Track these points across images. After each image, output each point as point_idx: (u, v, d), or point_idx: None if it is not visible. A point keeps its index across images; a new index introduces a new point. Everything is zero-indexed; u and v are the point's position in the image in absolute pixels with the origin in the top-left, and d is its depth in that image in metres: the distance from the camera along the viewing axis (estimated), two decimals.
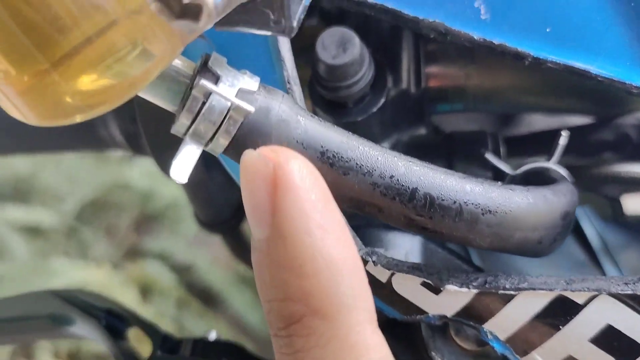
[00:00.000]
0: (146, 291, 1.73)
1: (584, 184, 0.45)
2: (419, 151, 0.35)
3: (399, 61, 0.33)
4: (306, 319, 0.18)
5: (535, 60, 0.26)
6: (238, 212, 0.48)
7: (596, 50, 0.26)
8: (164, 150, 0.37)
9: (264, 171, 0.18)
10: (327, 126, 0.23)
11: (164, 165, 0.40)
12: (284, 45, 0.28)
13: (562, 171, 0.29)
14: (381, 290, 0.27)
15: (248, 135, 0.21)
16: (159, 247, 1.83)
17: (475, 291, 0.26)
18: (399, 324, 0.31)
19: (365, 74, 0.30)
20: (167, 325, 1.43)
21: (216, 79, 0.21)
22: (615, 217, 0.47)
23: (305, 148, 0.22)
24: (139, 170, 1.82)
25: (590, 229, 0.40)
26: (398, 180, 0.23)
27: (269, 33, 0.20)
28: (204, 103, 0.21)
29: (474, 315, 0.26)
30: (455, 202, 0.23)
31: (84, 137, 0.41)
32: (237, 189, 0.40)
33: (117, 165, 1.88)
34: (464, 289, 0.26)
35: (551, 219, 0.25)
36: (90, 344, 1.55)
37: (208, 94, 0.21)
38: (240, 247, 0.52)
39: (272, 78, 0.28)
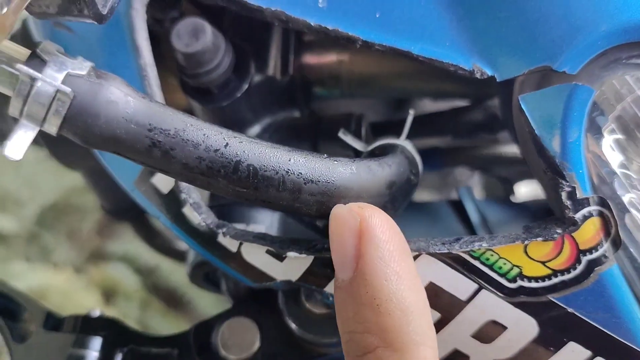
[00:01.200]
0: (109, 294, 1.73)
1: (473, 164, 0.48)
2: (290, 134, 0.37)
3: (264, 50, 0.35)
4: (379, 350, 0.21)
5: (364, 43, 0.29)
6: None
7: (420, 34, 0.28)
8: (54, 141, 0.39)
9: (352, 223, 0.22)
10: (157, 105, 0.25)
11: (59, 155, 0.42)
12: (141, 35, 0.30)
13: (409, 146, 0.31)
14: (232, 260, 0.29)
15: (78, 115, 0.23)
16: (122, 249, 1.83)
17: (312, 256, 0.28)
18: (262, 293, 0.33)
19: (222, 60, 0.32)
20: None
21: (42, 65, 0.23)
22: (505, 197, 0.50)
23: (134, 125, 0.24)
24: None
25: (471, 206, 0.43)
26: (222, 153, 0.25)
27: (83, 20, 0.22)
28: (32, 87, 0.23)
29: (315, 279, 0.29)
30: (277, 172, 0.25)
31: None
32: None
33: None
34: (303, 255, 0.28)
35: (375, 187, 0.27)
36: None
37: (34, 80, 0.23)
38: (149, 233, 0.54)
39: (129, 65, 0.30)
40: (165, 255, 0.57)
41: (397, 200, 0.29)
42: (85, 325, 0.34)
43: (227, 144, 0.25)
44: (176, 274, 1.82)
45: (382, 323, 0.21)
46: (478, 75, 0.27)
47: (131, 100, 0.24)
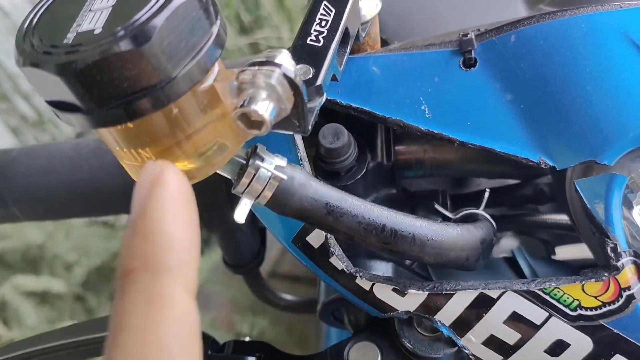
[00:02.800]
0: None
1: (521, 229, 0.60)
2: (391, 205, 0.49)
3: (374, 143, 0.48)
4: (137, 272, 0.23)
5: (461, 143, 0.41)
6: (257, 257, 0.61)
7: (499, 136, 0.41)
8: (209, 211, 0.51)
9: (152, 172, 0.25)
10: (329, 187, 0.37)
11: (207, 222, 0.54)
12: (297, 136, 0.43)
13: (486, 215, 0.43)
14: (366, 296, 0.41)
15: (281, 194, 0.35)
16: None
17: (427, 293, 0.39)
18: (380, 323, 0.44)
19: (351, 153, 0.44)
20: None
21: (262, 159, 0.35)
22: (548, 255, 0.61)
23: (315, 201, 0.36)
24: None
25: (524, 262, 0.54)
26: (373, 219, 0.36)
27: (294, 132, 0.35)
28: (254, 175, 0.35)
29: (427, 310, 0.40)
30: (410, 233, 0.37)
31: (114, 207, 0.55)
32: (256, 240, 0.54)
33: (123, 232, 1.99)
34: (420, 292, 0.39)
35: (473, 243, 0.39)
36: None
37: (258, 168, 0.35)
38: (258, 284, 0.65)
39: (289, 156, 0.42)
40: (270, 305, 0.68)
41: (486, 252, 0.40)
42: (242, 348, 0.44)
43: (375, 213, 0.37)
44: (210, 333, 1.89)
45: (146, 249, 0.23)
46: (543, 166, 0.39)
47: (313, 184, 0.36)
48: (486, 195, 0.45)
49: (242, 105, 0.30)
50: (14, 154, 0.57)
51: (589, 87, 0.38)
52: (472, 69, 0.42)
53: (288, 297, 0.69)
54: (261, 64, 0.31)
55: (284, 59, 0.32)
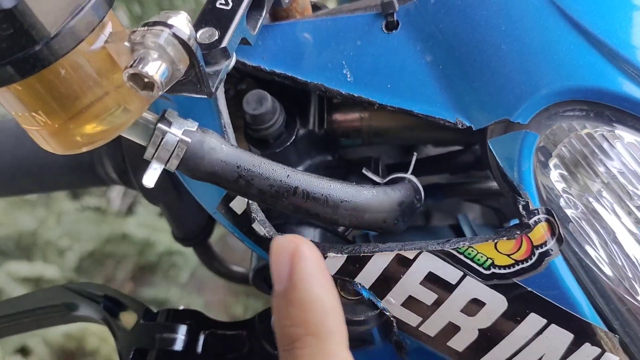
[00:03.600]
0: None
1: (468, 197, 0.59)
2: (325, 172, 0.49)
3: (307, 110, 0.48)
4: (304, 338, 0.28)
5: (380, 105, 0.41)
6: (205, 229, 0.62)
7: (419, 97, 0.41)
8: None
9: (288, 247, 0.31)
10: (241, 151, 0.37)
11: (146, 193, 0.54)
12: (221, 102, 0.43)
13: (412, 178, 0.43)
14: None
15: (190, 158, 0.35)
16: (153, 294, 1.93)
17: (346, 255, 0.39)
18: None
19: (277, 119, 0.44)
20: None
21: (169, 124, 0.35)
22: (500, 223, 0.61)
23: (226, 164, 0.36)
24: (136, 222, 1.95)
25: (467, 228, 0.54)
26: (285, 182, 0.36)
27: (198, 96, 0.35)
28: (161, 139, 0.35)
29: (348, 273, 0.40)
30: (322, 195, 0.37)
31: (86, 176, 0.55)
32: (203, 211, 0.54)
33: (114, 218, 2.01)
34: (339, 255, 0.39)
35: (389, 205, 0.39)
36: None
37: (165, 133, 0.35)
38: (208, 257, 0.65)
39: (213, 124, 0.42)
40: (222, 277, 0.68)
41: (405, 215, 0.40)
42: (175, 316, 0.45)
43: (288, 175, 0.37)
44: None
45: (307, 317, 0.28)
46: (460, 126, 0.39)
47: (225, 148, 0.36)
48: (413, 159, 0.45)
49: (131, 66, 0.30)
50: None
51: (503, 46, 0.38)
52: (393, 31, 0.41)
53: (239, 268, 0.69)
54: (153, 24, 0.31)
55: (178, 20, 0.32)
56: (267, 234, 0.41)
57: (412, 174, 0.45)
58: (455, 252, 0.38)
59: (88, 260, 2.03)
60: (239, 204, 0.42)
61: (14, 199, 1.87)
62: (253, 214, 0.41)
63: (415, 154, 0.45)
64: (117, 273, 2.07)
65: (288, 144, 0.46)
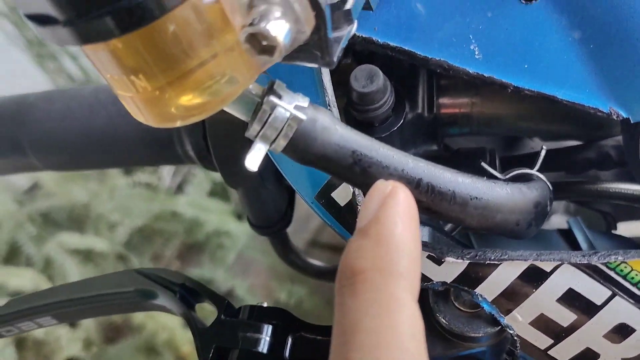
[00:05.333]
0: None
1: (579, 199, 0.53)
2: None
3: (415, 92, 0.42)
4: (368, 272, 0.24)
5: (515, 88, 0.35)
6: (283, 218, 0.57)
7: (563, 81, 0.34)
8: (227, 163, 0.47)
9: (383, 188, 0.27)
10: (357, 133, 0.31)
11: (227, 175, 0.49)
12: (326, 77, 0.37)
13: (541, 175, 0.37)
14: None
15: (300, 138, 0.30)
16: (200, 274, 1.92)
17: (467, 262, 0.34)
18: None
19: (387, 100, 0.39)
20: None
21: (279, 97, 0.30)
22: (607, 229, 0.54)
23: (340, 148, 0.31)
24: (186, 200, 1.94)
25: (581, 236, 0.47)
26: (407, 172, 0.31)
27: (316, 66, 0.30)
28: (269, 115, 0.30)
29: (467, 281, 0.34)
30: (450, 189, 0.31)
31: (164, 153, 0.51)
32: (284, 199, 0.49)
33: (164, 196, 2.00)
34: (459, 260, 0.34)
35: (525, 205, 0.33)
36: None
37: (273, 107, 0.30)
38: (284, 248, 0.61)
39: (316, 101, 0.37)
40: (298, 270, 0.64)
41: (539, 219, 0.34)
42: (258, 314, 0.40)
43: (410, 165, 0.31)
44: (248, 299, 1.89)
45: (378, 251, 0.24)
46: (615, 117, 0.33)
47: (339, 128, 0.31)
48: (542, 153, 0.38)
49: (251, 24, 0.25)
50: (31, 98, 0.54)
51: None
52: (533, 1, 0.35)
53: (317, 263, 0.64)
54: None
55: None
56: None
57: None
58: (604, 268, 0.32)
59: (137, 236, 2.03)
60: (342, 194, 0.37)
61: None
62: (359, 207, 0.36)
63: (544, 148, 0.39)
64: (165, 250, 2.06)
65: (395, 128, 0.40)
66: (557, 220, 0.66)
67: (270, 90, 0.30)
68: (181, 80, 0.28)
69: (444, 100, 0.45)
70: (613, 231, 0.57)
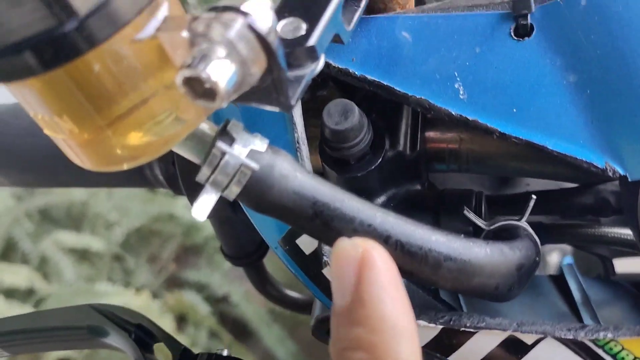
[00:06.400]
0: (181, 320, 1.80)
1: (575, 243, 0.49)
2: (412, 205, 0.40)
3: (397, 127, 0.38)
4: None
5: (501, 135, 0.31)
6: (259, 249, 0.54)
7: (555, 130, 0.31)
8: (195, 190, 0.43)
9: (353, 253, 0.24)
10: (319, 181, 0.28)
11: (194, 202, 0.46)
12: (297, 112, 0.34)
13: (529, 229, 0.33)
14: None
15: (255, 185, 0.27)
16: (196, 277, 1.90)
17: (440, 327, 0.30)
18: None
19: (363, 137, 0.35)
20: None
21: (232, 141, 0.27)
22: (606, 274, 0.51)
23: (300, 198, 0.27)
24: (185, 203, 1.91)
25: (574, 283, 0.44)
26: (375, 228, 0.28)
27: (273, 108, 0.26)
28: (220, 160, 0.27)
29: (440, 347, 0.31)
30: (421, 249, 0.28)
31: (133, 177, 0.48)
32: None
33: (163, 197, 1.98)
34: (432, 325, 0.30)
35: (506, 269, 0.29)
36: None
37: (223, 153, 0.26)
38: (260, 279, 0.58)
39: (285, 138, 0.34)
40: (274, 302, 0.61)
41: (523, 281, 0.31)
42: None
43: (378, 219, 0.28)
44: (244, 305, 1.86)
45: (374, 340, 0.22)
46: (610, 174, 0.29)
47: (299, 176, 0.28)
48: (531, 203, 0.35)
49: (189, 66, 0.22)
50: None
51: None
52: (526, 38, 0.32)
53: (295, 295, 0.61)
54: (222, 9, 0.23)
55: (256, 5, 0.23)
56: None
57: (512, 212, 0.36)
58: (591, 345, 0.28)
59: (134, 237, 2.01)
60: (308, 242, 0.33)
61: None
62: (325, 257, 0.33)
63: (533, 197, 0.35)
64: (162, 252, 2.04)
65: (373, 167, 0.37)
66: (554, 260, 0.62)
67: (223, 132, 0.27)
68: (119, 121, 0.25)
69: (430, 134, 0.41)
70: (612, 277, 0.53)
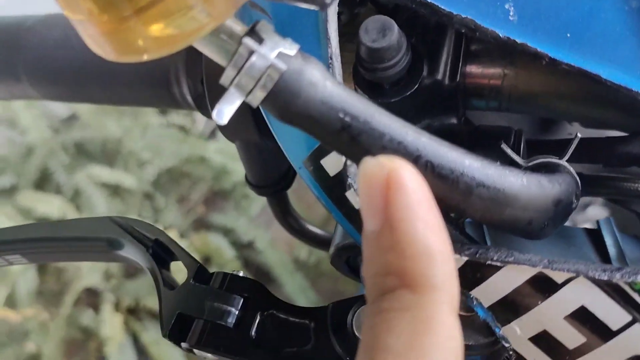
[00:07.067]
0: (206, 261, 1.82)
1: (615, 197, 0.47)
2: (446, 138, 0.37)
3: (437, 54, 0.36)
4: (399, 291, 0.21)
5: (551, 60, 0.29)
6: (284, 178, 0.53)
7: (611, 58, 0.28)
8: None
9: (380, 174, 0.22)
10: (350, 93, 0.26)
11: (221, 125, 0.45)
12: (332, 26, 0.32)
13: (569, 167, 0.31)
14: None
15: (282, 91, 0.25)
16: (223, 221, 1.91)
17: (465, 259, 0.29)
18: None
19: (401, 59, 0.33)
20: None
21: (260, 41, 0.25)
22: None
23: (328, 109, 0.26)
24: (215, 148, 1.92)
25: (610, 239, 0.41)
26: (405, 146, 0.26)
27: (308, 6, 0.24)
28: (246, 60, 0.25)
29: (464, 281, 0.29)
30: (453, 172, 0.26)
31: (160, 95, 0.47)
32: (284, 158, 0.44)
33: (195, 140, 1.99)
34: (457, 256, 0.29)
35: (542, 202, 0.27)
36: (149, 301, 1.65)
37: (251, 53, 0.25)
38: (282, 210, 0.57)
39: (317, 53, 0.32)
40: (295, 235, 0.60)
41: (559, 219, 0.29)
42: (231, 284, 0.36)
43: (409, 137, 0.26)
44: (268, 253, 1.88)
45: (404, 265, 0.21)
46: None
47: (329, 85, 0.26)
48: (575, 140, 0.33)
49: None
50: (30, 22, 0.50)
51: None
52: None
53: (316, 230, 0.60)
54: None
55: None
56: None
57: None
58: (627, 288, 0.26)
59: (166, 177, 2.04)
60: (333, 162, 0.32)
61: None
62: (350, 180, 0.31)
63: (578, 135, 0.33)
64: (192, 194, 2.06)
65: (408, 93, 0.35)
66: (595, 212, 0.59)
67: (251, 32, 0.25)
68: (145, 10, 0.23)
69: (472, 68, 0.39)
70: None
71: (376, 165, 0.22)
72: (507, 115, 0.45)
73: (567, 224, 0.48)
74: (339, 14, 0.39)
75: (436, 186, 0.26)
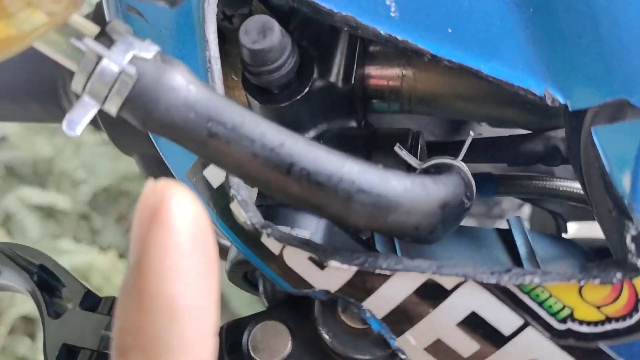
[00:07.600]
0: None
1: (526, 196, 0.46)
2: (345, 143, 0.36)
3: (329, 56, 0.35)
4: (131, 354, 0.17)
5: (433, 57, 0.28)
6: None
7: (492, 53, 0.28)
8: (114, 124, 0.40)
9: (152, 202, 0.17)
10: (218, 97, 0.24)
11: (115, 139, 0.42)
12: (210, 28, 0.30)
13: (463, 166, 0.30)
14: (274, 262, 0.29)
15: (139, 98, 0.23)
16: None
17: (355, 268, 0.27)
18: (299, 301, 0.33)
19: (286, 61, 0.32)
20: None
21: (110, 42, 0.23)
22: (557, 231, 0.48)
23: (193, 114, 0.24)
24: None
25: (521, 238, 0.41)
26: (277, 153, 0.24)
27: (159, 3, 0.23)
28: (97, 64, 0.23)
29: (354, 292, 0.28)
30: (330, 178, 0.25)
31: (50, 109, 0.44)
32: None
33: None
34: (345, 266, 0.27)
35: (427, 205, 0.26)
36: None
37: (100, 57, 0.23)
38: None
39: (193, 56, 0.30)
40: None
41: (448, 222, 0.28)
42: None
43: (283, 143, 0.24)
44: None
45: (141, 322, 0.17)
46: (549, 102, 0.26)
47: (193, 89, 0.24)
48: (468, 140, 0.32)
49: None
50: None
51: None
52: None
53: (224, 242, 0.57)
54: None
55: None
56: (248, 221, 0.29)
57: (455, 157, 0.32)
58: (516, 290, 0.25)
59: (102, 196, 1.97)
60: (215, 174, 0.30)
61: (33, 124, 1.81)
62: (233, 191, 0.29)
63: (472, 133, 0.32)
64: (131, 212, 2.00)
65: (298, 97, 0.33)
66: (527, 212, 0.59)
67: (102, 34, 0.23)
68: None
69: (370, 70, 0.37)
70: (563, 234, 0.51)
71: (151, 192, 0.18)
72: (417, 117, 0.45)
73: (479, 224, 0.47)
74: (230, 16, 0.37)
75: (314, 195, 0.25)
